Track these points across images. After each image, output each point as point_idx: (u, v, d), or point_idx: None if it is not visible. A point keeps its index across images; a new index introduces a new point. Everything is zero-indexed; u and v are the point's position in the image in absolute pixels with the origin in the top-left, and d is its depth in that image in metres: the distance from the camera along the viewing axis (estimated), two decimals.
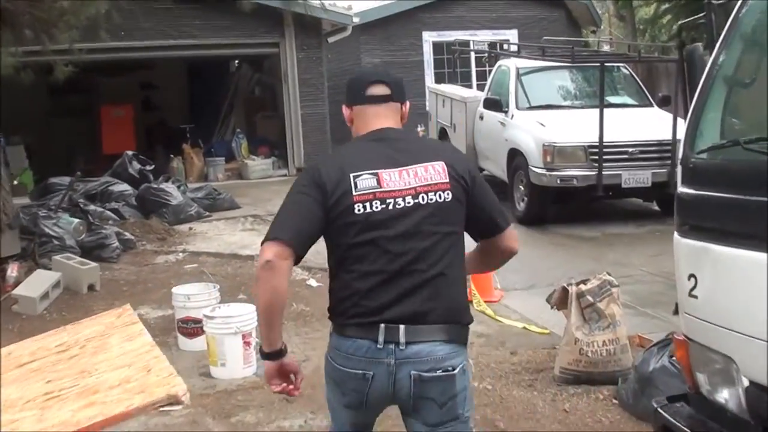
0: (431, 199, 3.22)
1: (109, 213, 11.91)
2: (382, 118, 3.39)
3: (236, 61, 22.10)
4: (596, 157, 11.05)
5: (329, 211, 3.20)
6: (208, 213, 12.97)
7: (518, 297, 8.59)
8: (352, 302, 3.21)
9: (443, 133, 15.69)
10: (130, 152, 13.99)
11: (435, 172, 3.24)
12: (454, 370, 3.20)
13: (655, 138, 11.41)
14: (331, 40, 18.80)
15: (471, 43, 17.07)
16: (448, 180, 3.24)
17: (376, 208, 3.18)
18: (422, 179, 3.22)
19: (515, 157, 12.04)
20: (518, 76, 12.99)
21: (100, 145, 19.23)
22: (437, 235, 3.22)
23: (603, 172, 11.01)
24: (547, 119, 11.85)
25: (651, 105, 12.92)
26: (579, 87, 13.42)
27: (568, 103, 12.93)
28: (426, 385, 3.17)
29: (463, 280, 3.36)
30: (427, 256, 3.20)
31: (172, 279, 9.09)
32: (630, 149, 11.24)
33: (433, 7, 21.77)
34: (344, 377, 3.24)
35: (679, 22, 8.51)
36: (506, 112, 12.63)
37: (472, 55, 21.73)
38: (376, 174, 3.21)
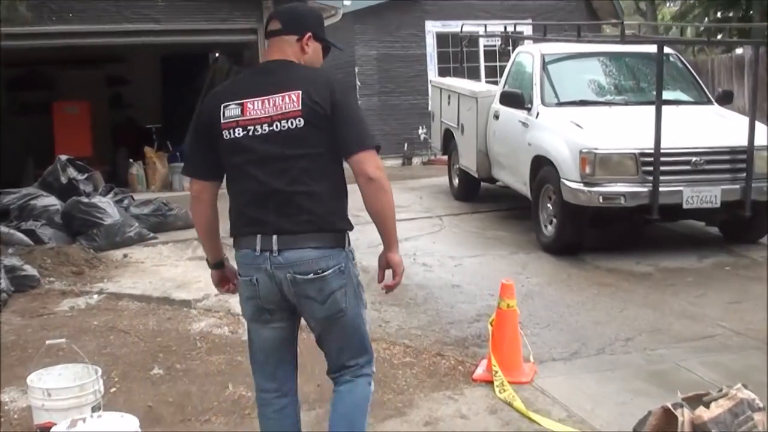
0: (284, 126, 3.57)
1: (20, 236, 9.32)
2: (274, 51, 3.77)
3: (216, 54, 19.57)
4: (651, 169, 8.41)
5: (211, 138, 3.68)
6: (152, 234, 10.36)
7: (558, 372, 5.92)
8: (236, 217, 3.75)
9: (449, 136, 13.03)
10: (63, 157, 11.35)
11: (290, 101, 3.56)
12: (324, 272, 3.61)
13: (726, 144, 8.78)
14: None
15: (485, 28, 14.36)
16: (300, 108, 3.55)
17: (239, 134, 3.61)
18: (278, 108, 3.58)
19: (541, 166, 9.38)
20: (544, 64, 10.31)
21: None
22: (294, 157, 3.57)
23: (660, 188, 8.38)
24: (583, 119, 9.17)
25: (710, 102, 10.27)
26: (619, 79, 10.71)
27: (607, 98, 10.17)
28: (301, 285, 3.62)
29: (333, 194, 3.65)
30: (285, 176, 3.57)
31: (67, 340, 6.45)
32: (694, 158, 8.59)
33: None
34: (242, 286, 3.79)
35: None
36: (529, 110, 9.97)
37: (481, 47, 19.26)
38: (241, 104, 3.63)
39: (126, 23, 14.29)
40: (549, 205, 9.27)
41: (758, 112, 9.02)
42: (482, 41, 18.83)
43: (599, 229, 9.33)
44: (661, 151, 8.35)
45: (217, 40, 16.29)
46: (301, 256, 3.58)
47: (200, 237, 3.99)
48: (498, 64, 19.67)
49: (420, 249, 9.50)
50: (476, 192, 12.60)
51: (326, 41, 3.86)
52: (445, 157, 13.62)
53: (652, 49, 10.21)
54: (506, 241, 9.94)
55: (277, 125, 3.56)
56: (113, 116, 19.20)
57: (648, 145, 8.42)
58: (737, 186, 8.61)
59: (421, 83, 18.61)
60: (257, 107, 3.58)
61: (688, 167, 8.57)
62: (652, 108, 9.04)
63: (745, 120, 9.58)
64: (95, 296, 7.78)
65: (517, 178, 10.32)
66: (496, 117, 10.96)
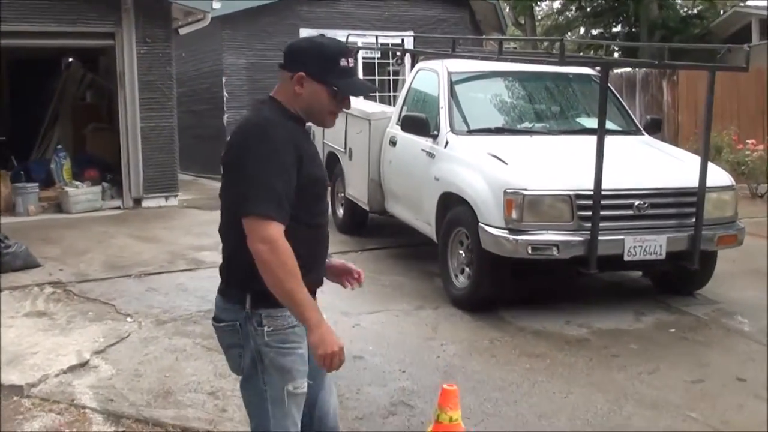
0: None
1: None
2: (276, 86, 3.41)
3: (69, 59, 17.68)
4: (588, 214, 7.09)
5: None
6: None
7: None
8: None
9: (332, 160, 11.51)
10: None
11: None
12: (219, 322, 3.38)
13: (673, 185, 7.55)
14: (183, 31, 14.56)
15: (376, 39, 12.95)
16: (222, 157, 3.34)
17: None
18: None
19: (452, 205, 7.98)
20: (451, 85, 8.92)
21: None
22: (222, 209, 3.39)
23: (599, 237, 7.07)
24: (505, 151, 7.77)
25: (639, 131, 9.05)
26: (540, 103, 9.34)
27: (526, 126, 8.82)
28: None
29: (238, 248, 3.21)
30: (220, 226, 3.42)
31: None
32: (637, 202, 7.30)
33: None
34: None
35: None
36: (435, 137, 8.55)
37: (360, 60, 17.81)
38: None
39: None
40: (461, 251, 7.87)
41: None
42: (361, 53, 17.45)
43: (519, 279, 7.94)
44: (603, 192, 7.04)
45: (68, 45, 14.43)
46: (215, 301, 3.44)
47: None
48: (377, 77, 18.37)
49: None
50: (364, 224, 11.15)
51: (328, 83, 3.29)
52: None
53: (571, 69, 9.07)
54: (407, 290, 8.50)
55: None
56: None
57: (584, 185, 7.10)
58: (684, 234, 7.37)
59: None
60: None
61: (630, 212, 7.29)
62: (580, 138, 7.98)
63: (679, 152, 8.50)
64: None
65: (418, 215, 8.87)
66: (393, 143, 9.51)
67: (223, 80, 17.34)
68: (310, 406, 3.59)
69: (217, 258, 3.49)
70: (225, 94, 17.37)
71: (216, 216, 3.54)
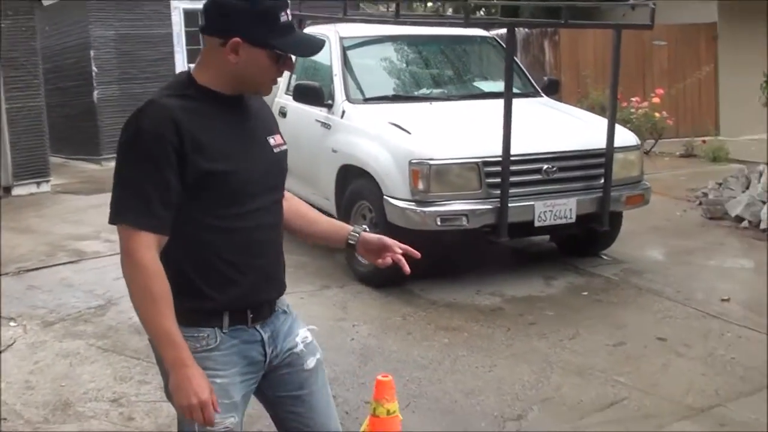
0: None
1: None
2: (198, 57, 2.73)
3: None
4: (498, 181, 6.86)
5: None
6: None
7: None
8: None
9: None
10: None
11: None
12: None
13: (579, 146, 7.39)
14: (47, 2, 13.79)
15: None
16: None
17: None
18: None
19: (352, 178, 7.66)
20: (344, 51, 8.55)
21: None
22: None
23: (509, 204, 6.85)
24: (406, 120, 7.46)
25: (538, 93, 8.87)
26: (437, 68, 9.02)
27: (423, 92, 8.53)
28: None
29: (168, 253, 2.61)
30: None
31: None
32: (545, 166, 7.11)
33: None
34: None
35: None
36: (330, 107, 8.18)
37: None
38: None
39: None
40: (365, 225, 7.56)
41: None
42: None
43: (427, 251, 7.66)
44: (511, 157, 6.82)
45: None
46: None
47: None
48: None
49: None
50: None
51: (271, 46, 2.60)
52: None
53: (467, 31, 8.81)
54: (311, 269, 8.12)
55: None
56: None
57: (491, 151, 6.87)
58: (593, 196, 7.24)
59: (168, 68, 16.49)
60: None
61: (538, 177, 7.10)
62: (481, 103, 7.66)
63: (581, 113, 8.41)
64: None
65: (315, 190, 8.49)
66: (283, 114, 9.09)
67: (92, 54, 16.51)
68: None
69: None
70: (94, 68, 16.56)
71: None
